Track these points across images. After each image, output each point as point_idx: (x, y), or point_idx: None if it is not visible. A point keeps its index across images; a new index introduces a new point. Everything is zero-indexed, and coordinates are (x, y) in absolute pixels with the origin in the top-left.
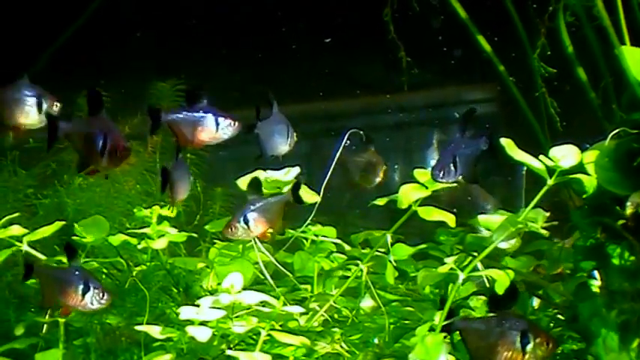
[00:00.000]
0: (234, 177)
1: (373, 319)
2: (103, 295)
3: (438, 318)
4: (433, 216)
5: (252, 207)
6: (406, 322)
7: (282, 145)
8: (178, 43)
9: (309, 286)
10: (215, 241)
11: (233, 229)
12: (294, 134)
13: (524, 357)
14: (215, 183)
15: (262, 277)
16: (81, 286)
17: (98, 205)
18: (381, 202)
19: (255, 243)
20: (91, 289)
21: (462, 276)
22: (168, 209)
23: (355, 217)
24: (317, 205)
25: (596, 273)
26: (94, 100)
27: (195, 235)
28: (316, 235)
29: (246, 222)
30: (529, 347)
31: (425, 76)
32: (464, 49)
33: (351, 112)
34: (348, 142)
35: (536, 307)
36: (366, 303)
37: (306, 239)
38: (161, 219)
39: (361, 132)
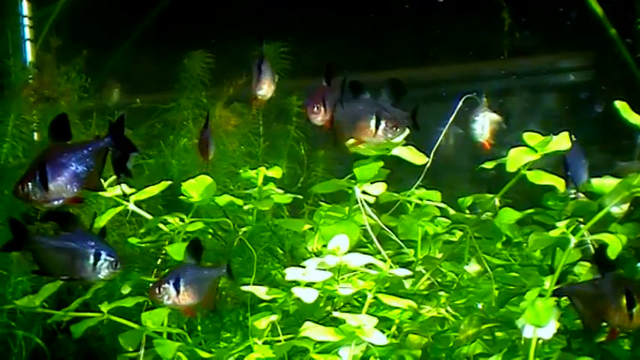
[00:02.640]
0: None
1: (477, 284)
2: None
3: (548, 283)
4: (543, 180)
5: (186, 273)
6: (510, 287)
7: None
8: (287, 3)
9: (412, 250)
10: (320, 202)
11: (160, 291)
12: None
13: (632, 318)
14: (319, 146)
15: (365, 241)
16: None
17: (202, 166)
18: (489, 165)
19: (363, 206)
20: None
21: (573, 240)
22: None
23: (462, 181)
24: (426, 169)
25: None
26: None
27: (300, 196)
28: (420, 199)
29: (177, 288)
30: (637, 307)
31: (534, 40)
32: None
33: (454, 76)
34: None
35: None
36: (471, 268)
37: (410, 203)
38: (267, 180)
39: (475, 95)
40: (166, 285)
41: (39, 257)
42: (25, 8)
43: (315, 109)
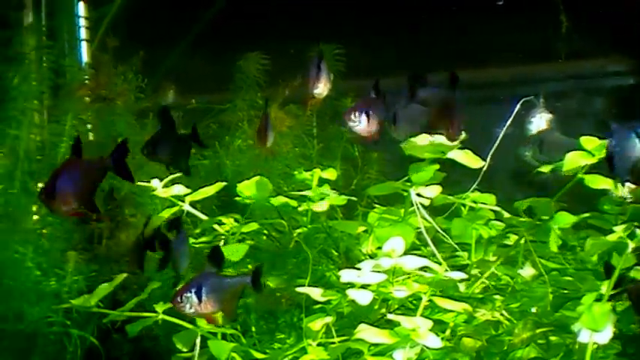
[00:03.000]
0: (391, 141)
1: (531, 287)
2: None
3: (605, 287)
4: (599, 184)
5: (208, 282)
6: (564, 291)
7: None
8: (340, 4)
9: (465, 253)
10: (375, 205)
11: (182, 300)
12: None
13: None
14: (371, 147)
15: (418, 243)
16: None
17: (256, 167)
18: (545, 169)
19: (418, 208)
20: None
21: (630, 245)
22: None
23: (518, 185)
24: (482, 172)
25: None
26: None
27: (354, 198)
28: (475, 202)
29: (199, 297)
30: None
31: (591, 42)
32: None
33: (510, 78)
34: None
35: None
36: (526, 271)
37: (465, 206)
38: (321, 182)
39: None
40: (188, 294)
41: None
42: (81, 9)
43: (353, 116)
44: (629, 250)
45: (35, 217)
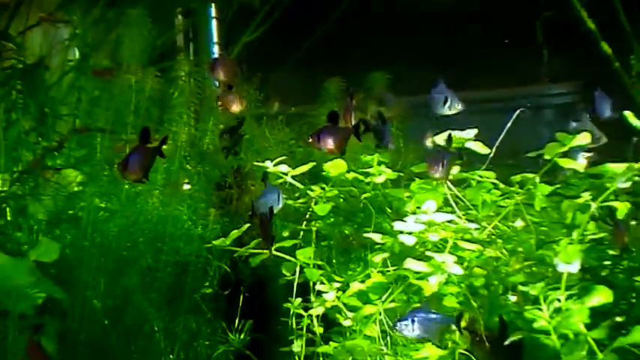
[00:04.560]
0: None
1: (520, 234)
2: None
3: (575, 234)
4: (569, 164)
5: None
6: (542, 237)
7: None
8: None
9: (474, 211)
10: (414, 178)
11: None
12: None
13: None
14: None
15: (442, 205)
16: None
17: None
18: (532, 154)
19: (445, 182)
20: None
21: (593, 205)
22: None
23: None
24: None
25: None
26: None
27: (402, 174)
28: (480, 177)
29: None
30: None
31: None
32: None
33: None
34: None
35: None
36: (517, 223)
37: (474, 179)
38: (379, 162)
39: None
40: None
41: None
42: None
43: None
44: (592, 209)
45: (188, 185)
